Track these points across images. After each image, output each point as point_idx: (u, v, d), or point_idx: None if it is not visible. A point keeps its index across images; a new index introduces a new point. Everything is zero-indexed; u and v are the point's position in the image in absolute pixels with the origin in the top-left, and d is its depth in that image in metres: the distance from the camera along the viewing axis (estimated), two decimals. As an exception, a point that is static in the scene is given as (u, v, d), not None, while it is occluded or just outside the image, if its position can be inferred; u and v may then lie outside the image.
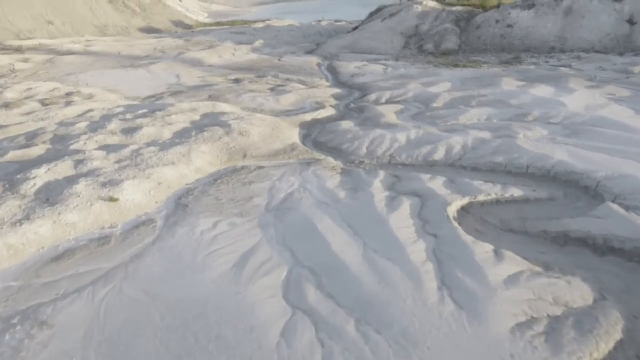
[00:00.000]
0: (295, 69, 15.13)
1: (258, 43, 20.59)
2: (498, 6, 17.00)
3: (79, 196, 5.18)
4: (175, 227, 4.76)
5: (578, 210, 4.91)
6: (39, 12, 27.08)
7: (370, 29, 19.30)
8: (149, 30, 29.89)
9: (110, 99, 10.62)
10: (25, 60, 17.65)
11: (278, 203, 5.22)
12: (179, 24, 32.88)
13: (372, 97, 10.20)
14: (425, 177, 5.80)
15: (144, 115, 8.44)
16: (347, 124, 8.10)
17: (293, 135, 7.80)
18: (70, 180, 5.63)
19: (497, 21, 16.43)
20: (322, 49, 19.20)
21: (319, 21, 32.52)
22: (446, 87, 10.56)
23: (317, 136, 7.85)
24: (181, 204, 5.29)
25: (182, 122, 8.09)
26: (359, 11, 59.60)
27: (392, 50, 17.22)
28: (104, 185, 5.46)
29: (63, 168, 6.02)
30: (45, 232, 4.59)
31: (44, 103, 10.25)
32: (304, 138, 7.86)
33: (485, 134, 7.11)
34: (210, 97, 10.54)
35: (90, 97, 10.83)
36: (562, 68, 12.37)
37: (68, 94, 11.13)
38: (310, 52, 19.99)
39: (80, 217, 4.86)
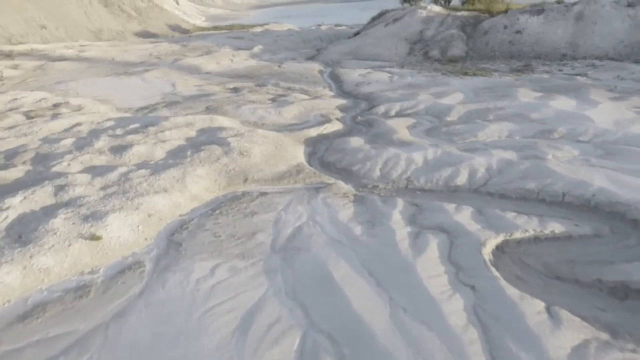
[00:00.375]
0: (297, 77, 14.49)
1: (257, 49, 19.97)
2: (506, 12, 16.43)
3: (56, 233, 4.50)
4: (166, 273, 4.09)
5: (631, 252, 4.27)
6: (32, 16, 26.39)
7: (373, 34, 18.70)
8: (145, 35, 29.24)
9: (100, 111, 9.94)
10: (15, 67, 16.94)
11: (285, 241, 4.56)
12: (176, 28, 32.24)
13: (381, 109, 9.56)
14: (450, 207, 5.14)
15: (135, 131, 7.77)
16: (356, 141, 7.46)
17: (298, 154, 7.15)
18: (48, 212, 4.95)
19: (505, 27, 15.86)
20: (323, 55, 18.58)
21: (319, 25, 31.93)
22: (459, 99, 9.94)
23: (324, 155, 7.20)
24: (174, 242, 4.61)
25: (176, 139, 7.42)
26: (358, 15, 59.17)
27: (396, 57, 16.61)
28: (86, 219, 4.79)
29: (41, 196, 5.34)
30: (13, 280, 3.91)
31: (29, 116, 9.56)
32: (310, 157, 7.21)
33: (511, 155, 6.47)
34: (208, 109, 9.88)
35: (79, 108, 10.15)
36: (578, 77, 11.77)
37: (56, 105, 10.43)
38: (311, 58, 19.37)
39: (56, 260, 4.18)
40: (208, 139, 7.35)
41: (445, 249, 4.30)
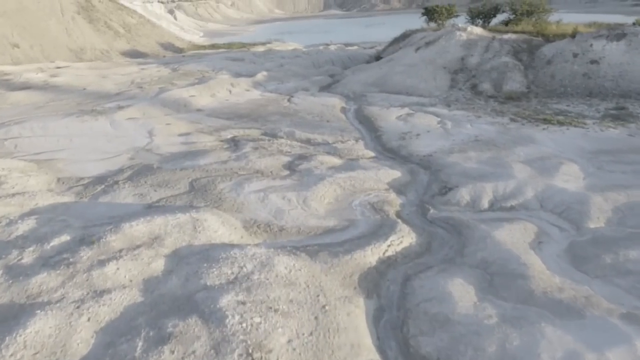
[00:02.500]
0: (315, 119, 11.13)
1: (261, 76, 16.66)
2: (573, 36, 13.20)
3: None
4: None
5: None
6: (3, 34, 23.10)
7: (401, 60, 15.46)
8: (134, 54, 26.01)
9: (28, 189, 6.48)
10: (-42, 99, 13.59)
11: None
12: (168, 46, 29.05)
13: (463, 196, 6.14)
14: None
15: (54, 263, 4.31)
16: (462, 291, 4.01)
17: (359, 329, 3.69)
18: None
19: (575, 55, 12.61)
20: (342, 85, 15.27)
21: (327, 45, 28.83)
22: (577, 175, 6.54)
23: (410, 330, 3.73)
24: None
25: (122, 285, 3.97)
26: (363, 32, 56.56)
27: (436, 91, 13.31)
28: None
29: None
30: None
31: None
32: (384, 335, 3.73)
33: None
34: (191, 191, 6.43)
35: (-2, 183, 6.71)
36: None
37: (-34, 176, 7.00)
38: (326, 87, 16.09)
39: None
40: (183, 292, 3.88)
41: None
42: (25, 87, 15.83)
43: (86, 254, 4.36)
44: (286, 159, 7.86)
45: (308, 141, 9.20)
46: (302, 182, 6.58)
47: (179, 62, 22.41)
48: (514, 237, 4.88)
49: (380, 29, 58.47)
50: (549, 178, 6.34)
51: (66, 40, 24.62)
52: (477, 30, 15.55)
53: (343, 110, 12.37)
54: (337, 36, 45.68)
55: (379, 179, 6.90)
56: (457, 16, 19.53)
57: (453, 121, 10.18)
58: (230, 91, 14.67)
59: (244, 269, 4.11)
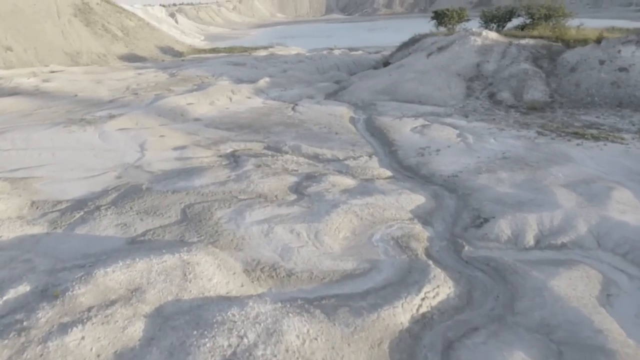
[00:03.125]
0: (323, 130, 10.24)
1: (263, 82, 15.79)
2: (599, 41, 12.33)
3: None
4: None
5: None
6: (-4, 36, 22.32)
7: (412, 66, 14.59)
8: (132, 58, 25.18)
9: (-5, 217, 5.61)
10: (-59, 106, 12.72)
11: None
12: (167, 50, 28.23)
13: (503, 230, 5.22)
14: None
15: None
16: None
17: None
18: None
19: (601, 62, 11.73)
20: (349, 93, 14.40)
21: (331, 50, 27.99)
22: (632, 202, 5.61)
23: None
24: None
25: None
26: (366, 36, 55.75)
27: (452, 100, 12.43)
28: None
29: None
30: None
31: None
32: None
33: None
34: (184, 220, 5.52)
35: (-39, 208, 5.82)
36: None
37: None
38: (332, 95, 15.21)
39: None
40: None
41: None
42: (15, 92, 14.98)
43: (45, 315, 3.46)
44: (293, 179, 6.96)
45: (316, 157, 8.31)
46: (312, 211, 5.68)
47: (178, 66, 21.57)
48: (576, 288, 3.98)
49: (383, 34, 57.75)
50: (602, 208, 5.43)
51: (62, 43, 23.81)
52: (492, 34, 14.68)
53: (352, 120, 11.48)
54: (340, 40, 44.92)
55: (401, 205, 5.99)
56: (468, 20, 18.68)
57: (474, 134, 9.29)
58: (230, 99, 13.80)
59: (245, 340, 3.21)
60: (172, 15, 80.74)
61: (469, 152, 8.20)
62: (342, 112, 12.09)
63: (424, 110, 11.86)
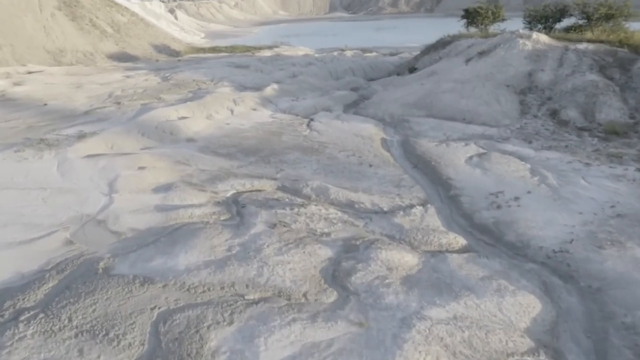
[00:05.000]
0: (351, 159, 7.93)
1: (270, 90, 13.47)
2: (686, 48, 10.03)
3: None
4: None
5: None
6: (-30, 31, 19.96)
7: (448, 74, 12.30)
8: (122, 58, 22.82)
9: None
10: None
11: None
12: (163, 49, 25.85)
13: None
14: None
15: None
16: None
17: None
18: None
19: (693, 75, 9.44)
20: (373, 105, 12.07)
21: (342, 50, 25.65)
22: None
23: None
24: None
25: None
26: (374, 36, 53.10)
27: (504, 118, 10.11)
28: None
29: None
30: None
31: None
32: None
33: None
34: (153, 355, 3.23)
35: None
36: None
37: None
38: (351, 106, 12.89)
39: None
40: None
41: None
42: (-24, 99, 12.67)
43: None
44: (325, 253, 4.64)
45: (350, 206, 6.00)
46: (370, 337, 3.38)
47: (173, 68, 19.22)
48: None
49: (392, 33, 55.34)
50: None
51: (43, 40, 21.42)
52: (544, 37, 12.37)
53: (384, 143, 9.18)
54: (346, 40, 42.57)
55: (508, 319, 3.69)
56: (503, 20, 16.38)
57: (554, 172, 6.98)
58: (232, 111, 11.48)
59: None
60: (171, 11, 78.20)
61: (562, 204, 5.90)
62: (370, 131, 9.77)
63: (472, 131, 9.56)
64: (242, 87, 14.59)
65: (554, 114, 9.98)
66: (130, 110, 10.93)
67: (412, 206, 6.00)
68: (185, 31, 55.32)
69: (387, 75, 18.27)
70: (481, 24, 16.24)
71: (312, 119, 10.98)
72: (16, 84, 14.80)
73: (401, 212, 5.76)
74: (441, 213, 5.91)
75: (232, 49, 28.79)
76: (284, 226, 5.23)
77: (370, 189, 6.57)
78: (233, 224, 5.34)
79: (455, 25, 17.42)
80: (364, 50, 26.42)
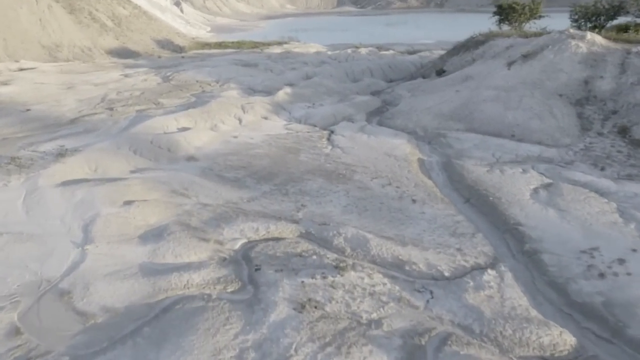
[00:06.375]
0: (388, 191, 6.40)
1: (283, 94, 11.95)
2: None
3: None
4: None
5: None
6: (-41, 24, 18.55)
7: (487, 80, 10.74)
8: (122, 53, 21.36)
9: None
10: None
11: None
12: (166, 44, 24.36)
13: None
14: None
15: None
16: None
17: None
18: None
19: None
20: (401, 114, 10.53)
21: (356, 48, 24.08)
22: None
23: None
24: None
25: None
26: (385, 32, 51.28)
27: (563, 136, 8.55)
28: None
29: None
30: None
31: None
32: None
33: None
34: None
35: None
36: None
37: None
38: (374, 114, 11.36)
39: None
40: None
41: None
42: (-47, 101, 11.25)
43: None
44: (382, 366, 3.20)
45: (399, 267, 4.52)
46: None
47: (176, 65, 17.73)
48: None
49: (403, 29, 53.54)
50: None
51: (39, 34, 19.99)
52: (599, 39, 10.77)
53: (422, 165, 7.67)
54: (357, 35, 40.93)
55: None
56: (541, 17, 14.75)
57: (653, 215, 5.47)
58: (240, 120, 10.00)
59: None
60: (177, 3, 76.67)
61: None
62: (403, 150, 8.25)
63: (526, 151, 8.01)
64: (250, 91, 13.08)
65: (623, 131, 8.41)
66: (123, 119, 9.46)
67: (480, 268, 4.52)
68: (190, 25, 53.79)
69: (408, 77, 16.70)
70: (516, 22, 14.61)
71: (332, 131, 9.48)
72: (3, 83, 13.37)
73: (470, 282, 4.27)
74: (520, 279, 4.42)
75: (239, 45, 27.24)
76: (316, 307, 3.76)
77: (420, 239, 5.08)
78: (245, 301, 3.88)
79: (468, 22, 15.89)
80: (380, 48, 24.77)
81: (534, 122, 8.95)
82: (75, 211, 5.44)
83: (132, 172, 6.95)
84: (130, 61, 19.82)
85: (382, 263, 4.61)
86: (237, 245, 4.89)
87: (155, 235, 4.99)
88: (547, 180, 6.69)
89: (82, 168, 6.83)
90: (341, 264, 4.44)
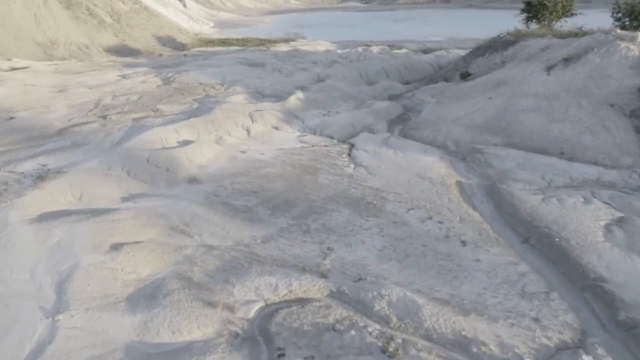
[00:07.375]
0: (432, 228, 5.30)
1: (295, 100, 10.86)
2: None
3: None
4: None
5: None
6: (-52, 19, 17.49)
7: (525, 86, 9.63)
8: (122, 51, 20.28)
9: None
10: None
11: None
12: (168, 41, 23.25)
13: None
14: None
15: None
16: None
17: None
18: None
19: None
20: (428, 124, 9.43)
21: (367, 46, 22.93)
22: None
23: None
24: None
25: None
26: (392, 28, 49.90)
27: (621, 155, 7.44)
28: None
29: None
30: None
31: None
32: None
33: None
34: None
35: None
36: None
37: None
38: (396, 122, 10.29)
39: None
40: None
41: None
42: None
43: None
44: None
45: (463, 348, 3.46)
46: None
47: (178, 65, 16.64)
48: None
49: (410, 25, 52.14)
50: None
51: (33, 30, 18.91)
52: (648, 40, 9.65)
53: (461, 189, 6.60)
54: (363, 32, 39.70)
55: None
56: (573, 15, 13.58)
57: None
58: (248, 131, 8.93)
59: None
60: (179, -2, 75.41)
61: None
62: (438, 170, 7.17)
63: (581, 173, 6.91)
64: (258, 95, 11.99)
65: (690, 149, 7.32)
66: (117, 130, 8.40)
67: (567, 348, 3.45)
68: (193, 20, 52.60)
69: (426, 79, 15.58)
70: (546, 20, 13.46)
71: (353, 145, 8.41)
72: (-11, 84, 12.35)
73: (564, 376, 3.21)
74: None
75: (243, 42, 26.11)
76: None
77: (483, 302, 4.01)
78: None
79: (477, 18, 14.82)
80: (391, 46, 23.58)
81: (586, 138, 7.84)
82: (50, 259, 4.39)
83: (124, 199, 5.90)
84: (129, 60, 18.73)
85: (440, 340, 3.56)
86: (252, 312, 3.83)
87: (147, 296, 3.93)
88: (617, 214, 5.61)
89: (65, 195, 5.78)
90: (390, 348, 3.38)
